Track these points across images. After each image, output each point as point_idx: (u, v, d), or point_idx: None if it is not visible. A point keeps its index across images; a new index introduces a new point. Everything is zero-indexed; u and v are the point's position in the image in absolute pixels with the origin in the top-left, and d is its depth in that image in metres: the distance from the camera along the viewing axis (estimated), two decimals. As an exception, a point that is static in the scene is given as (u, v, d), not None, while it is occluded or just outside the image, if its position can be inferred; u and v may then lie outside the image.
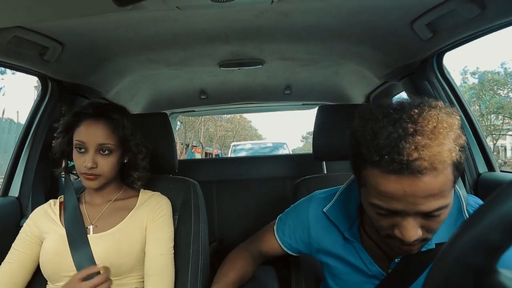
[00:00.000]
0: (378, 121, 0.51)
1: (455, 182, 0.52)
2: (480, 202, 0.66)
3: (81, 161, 0.83)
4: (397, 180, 0.49)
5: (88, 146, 0.84)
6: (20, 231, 0.88)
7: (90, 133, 0.84)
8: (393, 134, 0.48)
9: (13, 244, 0.86)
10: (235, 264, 0.88)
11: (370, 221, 0.63)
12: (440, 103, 0.53)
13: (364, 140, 0.52)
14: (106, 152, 0.85)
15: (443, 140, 0.47)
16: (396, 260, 0.66)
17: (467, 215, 0.61)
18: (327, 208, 0.75)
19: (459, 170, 0.51)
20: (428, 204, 0.49)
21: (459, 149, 0.49)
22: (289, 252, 0.86)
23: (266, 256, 0.91)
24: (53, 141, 0.91)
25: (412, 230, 0.52)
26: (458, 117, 0.52)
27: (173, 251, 0.90)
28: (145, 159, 0.95)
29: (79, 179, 0.89)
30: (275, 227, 0.86)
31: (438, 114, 0.49)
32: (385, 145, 0.48)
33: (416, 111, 0.50)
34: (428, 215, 0.51)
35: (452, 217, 0.61)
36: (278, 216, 0.89)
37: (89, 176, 0.84)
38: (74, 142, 0.85)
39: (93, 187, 0.86)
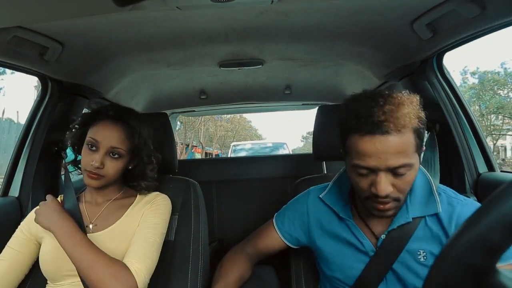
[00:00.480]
0: (357, 100, 0.68)
1: (417, 148, 0.66)
2: (446, 189, 0.78)
3: (89, 159, 0.84)
4: (370, 140, 0.63)
5: (100, 146, 0.84)
6: (17, 229, 0.88)
7: (106, 134, 0.85)
8: (369, 105, 0.65)
9: (8, 242, 0.86)
10: (233, 264, 0.89)
11: (359, 201, 0.78)
12: (405, 91, 0.70)
13: (348, 114, 0.68)
14: (116, 156, 0.86)
15: (404, 109, 0.63)
16: (382, 236, 0.76)
17: (436, 194, 0.74)
18: (323, 194, 0.87)
19: (420, 138, 0.66)
20: (395, 159, 0.63)
21: (419, 120, 0.65)
22: (287, 242, 0.90)
23: (263, 254, 0.93)
24: (67, 133, 0.93)
25: (384, 184, 0.65)
26: (417, 98, 0.68)
27: (161, 240, 0.87)
28: (154, 169, 0.95)
29: (81, 174, 0.90)
30: (274, 220, 0.93)
31: (400, 94, 0.67)
32: (362, 112, 0.65)
33: (387, 92, 0.67)
34: (396, 173, 0.64)
35: (424, 196, 0.75)
36: (276, 213, 0.95)
37: (93, 175, 0.84)
38: (87, 138, 0.85)
39: (93, 186, 0.86)
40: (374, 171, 0.65)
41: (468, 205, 0.73)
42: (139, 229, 0.86)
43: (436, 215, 0.73)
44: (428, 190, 0.75)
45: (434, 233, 0.73)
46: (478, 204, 0.75)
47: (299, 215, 0.89)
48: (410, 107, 0.65)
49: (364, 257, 0.77)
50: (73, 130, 0.91)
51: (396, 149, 0.63)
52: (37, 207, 0.90)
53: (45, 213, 0.82)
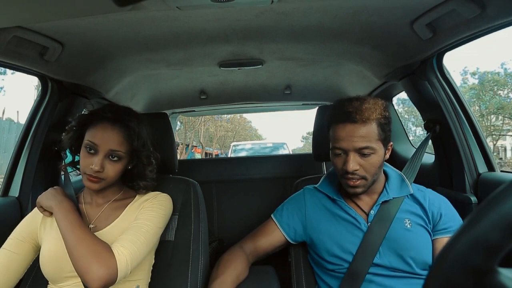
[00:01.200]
0: (339, 101, 0.90)
1: (381, 138, 0.85)
2: (413, 184, 0.98)
3: (88, 162, 0.83)
4: (343, 127, 0.84)
5: (99, 149, 0.83)
6: (13, 231, 0.87)
7: (105, 137, 0.83)
8: (343, 103, 0.87)
9: (3, 244, 0.85)
10: (230, 264, 0.90)
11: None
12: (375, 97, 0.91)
13: (330, 111, 0.90)
14: (115, 158, 0.85)
15: (368, 105, 0.84)
16: (371, 212, 0.90)
17: (407, 181, 0.95)
18: (318, 185, 1.02)
19: (383, 130, 0.85)
20: (360, 142, 0.82)
21: (381, 116, 0.84)
22: (285, 234, 0.97)
23: (261, 251, 0.96)
24: (63, 135, 0.91)
25: (352, 162, 0.83)
26: (383, 102, 0.88)
27: (156, 232, 0.86)
28: (154, 170, 0.94)
29: (79, 175, 0.90)
30: (272, 214, 1.02)
31: (370, 98, 0.88)
32: (338, 108, 0.87)
33: (361, 97, 0.89)
34: (362, 153, 0.83)
35: (398, 183, 0.94)
36: (273, 213, 1.02)
37: (93, 179, 0.83)
38: (85, 141, 0.84)
39: (93, 189, 0.85)
40: (345, 152, 0.85)
41: (431, 191, 0.94)
42: (135, 219, 0.85)
43: (412, 196, 0.92)
44: (400, 179, 0.96)
45: (414, 207, 0.90)
46: (439, 195, 0.93)
47: (297, 207, 1.00)
48: (374, 106, 0.85)
49: (358, 232, 0.89)
50: (70, 132, 0.89)
51: (361, 134, 0.82)
52: (35, 210, 0.90)
53: (48, 194, 0.86)
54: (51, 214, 0.84)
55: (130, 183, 0.95)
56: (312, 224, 0.95)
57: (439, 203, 0.89)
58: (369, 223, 0.89)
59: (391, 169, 0.99)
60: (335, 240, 0.90)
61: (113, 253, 0.74)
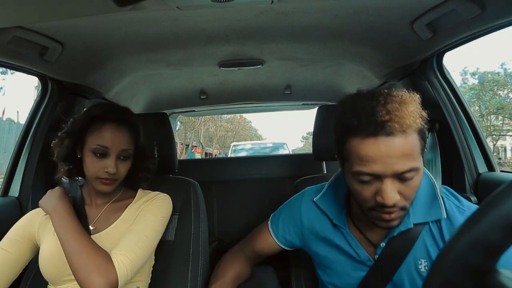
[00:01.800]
0: (355, 100, 0.62)
1: (422, 150, 0.61)
2: (454, 192, 0.72)
3: (100, 166, 0.82)
4: (374, 142, 0.57)
5: (110, 151, 0.82)
6: (9, 230, 0.86)
7: (114, 139, 0.82)
8: (369, 104, 0.59)
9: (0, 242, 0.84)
10: (230, 265, 0.89)
11: (355, 207, 0.73)
12: (402, 89, 0.65)
13: (345, 115, 0.62)
14: (125, 157, 0.86)
15: (408, 108, 0.59)
16: (381, 244, 0.70)
17: (440, 197, 0.68)
18: (317, 198, 0.81)
19: (424, 139, 0.62)
20: (402, 164, 0.57)
21: (422, 120, 0.61)
22: (282, 246, 0.87)
23: (260, 255, 0.93)
24: (53, 143, 0.87)
25: (391, 193, 0.59)
26: (418, 96, 0.63)
27: (156, 235, 0.86)
28: (156, 163, 0.96)
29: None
30: (269, 222, 0.90)
31: (401, 92, 0.62)
32: (363, 110, 0.59)
33: (386, 91, 0.62)
34: (403, 178, 0.59)
35: (428, 200, 0.69)
36: (272, 214, 0.92)
37: (108, 181, 0.83)
38: (94, 146, 0.82)
39: (107, 191, 0.85)
40: (379, 177, 0.59)
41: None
42: (134, 223, 0.85)
43: (439, 222, 0.67)
44: (432, 194, 0.69)
45: (437, 241, 0.67)
46: None
47: (293, 220, 0.85)
48: (413, 105, 0.60)
49: (362, 266, 0.74)
50: (65, 140, 0.85)
51: (402, 151, 0.57)
52: (37, 211, 0.90)
53: (47, 197, 0.85)
54: None
55: (131, 178, 0.93)
56: (310, 244, 0.83)
57: None
58: (376, 258, 0.71)
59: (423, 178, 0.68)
60: (334, 270, 0.78)
61: (112, 263, 0.74)
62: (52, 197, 0.85)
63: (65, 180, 0.92)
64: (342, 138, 0.63)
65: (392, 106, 0.58)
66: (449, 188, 0.74)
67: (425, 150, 0.65)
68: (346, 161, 0.64)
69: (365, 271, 0.72)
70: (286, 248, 0.89)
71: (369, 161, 0.58)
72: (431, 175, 0.73)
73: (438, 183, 0.73)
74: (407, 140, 0.58)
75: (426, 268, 0.67)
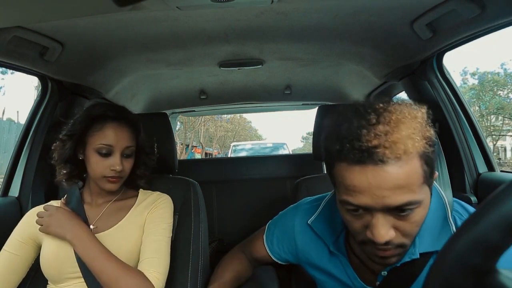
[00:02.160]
0: (342, 117, 0.52)
1: (427, 178, 0.50)
2: (469, 207, 0.63)
3: (106, 165, 0.83)
4: (361, 171, 0.48)
5: (114, 149, 0.83)
6: (12, 232, 0.86)
7: (118, 136, 0.84)
8: (355, 124, 0.49)
9: (4, 245, 0.85)
10: (230, 265, 0.89)
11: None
12: (409, 101, 0.54)
13: (328, 137, 0.53)
14: (129, 154, 0.87)
15: (404, 129, 0.48)
16: (382, 273, 0.62)
17: (452, 223, 0.57)
18: (312, 220, 0.72)
19: (429, 165, 0.50)
20: (395, 197, 0.48)
21: (426, 142, 0.49)
22: (278, 261, 0.85)
23: (259, 262, 0.91)
24: (54, 145, 0.87)
25: (382, 229, 0.50)
26: (423, 111, 0.52)
27: (170, 242, 0.88)
28: (155, 159, 0.98)
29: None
30: (264, 236, 0.85)
31: (401, 107, 0.51)
32: (347, 134, 0.49)
33: (382, 105, 0.51)
34: (398, 213, 0.50)
35: (438, 225, 0.58)
36: (267, 224, 0.88)
37: (114, 180, 0.84)
38: (98, 146, 0.82)
39: (114, 190, 0.87)
40: (368, 209, 0.51)
41: None
42: (147, 234, 0.86)
43: None
44: (443, 218, 0.58)
45: None
46: None
47: (287, 240, 0.78)
48: (413, 125, 0.49)
49: None
50: (67, 142, 0.84)
51: (395, 182, 0.47)
52: (36, 209, 0.89)
53: (56, 221, 0.81)
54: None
55: (130, 176, 0.93)
56: (304, 265, 0.78)
57: None
58: (378, 283, 0.63)
59: (432, 198, 0.58)
60: None
61: (150, 282, 0.77)
62: (63, 221, 0.81)
63: (64, 183, 0.91)
64: (328, 161, 0.55)
65: (384, 128, 0.47)
66: (462, 203, 0.64)
67: (435, 174, 0.54)
68: (336, 187, 0.56)
69: None
70: (283, 263, 0.86)
71: (356, 191, 0.50)
72: (442, 193, 0.62)
73: (449, 199, 0.62)
74: (403, 169, 0.47)
75: None
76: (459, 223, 0.58)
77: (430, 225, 0.58)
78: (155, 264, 0.80)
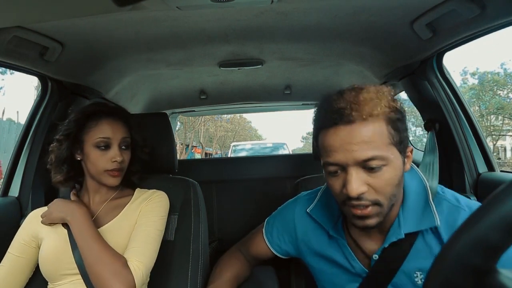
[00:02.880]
0: (327, 96, 0.63)
1: (395, 142, 0.59)
2: (460, 197, 0.66)
3: (107, 158, 0.85)
4: (334, 132, 0.58)
5: (112, 142, 0.86)
6: (16, 234, 0.87)
7: (114, 129, 0.86)
8: (331, 97, 0.61)
9: (9, 248, 0.85)
10: (228, 264, 0.90)
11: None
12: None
13: (315, 113, 0.65)
14: (126, 146, 0.89)
15: (369, 95, 0.58)
16: (374, 256, 0.68)
17: (432, 204, 0.64)
18: (310, 208, 0.79)
19: (396, 130, 0.59)
20: (363, 151, 0.56)
21: (391, 110, 0.59)
22: (277, 254, 0.87)
23: (257, 259, 0.92)
24: (51, 146, 0.87)
25: (355, 183, 0.57)
26: (389, 88, 0.62)
27: (160, 235, 0.87)
28: (148, 153, 0.98)
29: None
30: (263, 229, 0.89)
31: (369, 85, 0.62)
32: (323, 104, 0.62)
33: (356, 85, 0.62)
34: (369, 170, 0.57)
35: (420, 207, 0.65)
36: (266, 219, 0.91)
37: (115, 173, 0.86)
38: (96, 140, 0.84)
39: (115, 184, 0.88)
40: (344, 168, 0.59)
41: (473, 209, 0.60)
42: (138, 225, 0.86)
43: (435, 229, 0.63)
44: (424, 200, 0.65)
45: (433, 250, 0.63)
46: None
47: (287, 230, 0.83)
48: (378, 95, 0.59)
49: (356, 278, 0.71)
50: (64, 142, 0.85)
51: (362, 138, 0.56)
52: (37, 211, 0.90)
53: (57, 207, 0.84)
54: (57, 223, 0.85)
55: (126, 173, 0.93)
56: (305, 256, 0.81)
57: None
58: (370, 269, 0.69)
59: (412, 177, 0.69)
60: (328, 282, 0.77)
61: (129, 269, 0.76)
62: (62, 204, 0.85)
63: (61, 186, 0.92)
64: (315, 135, 0.65)
65: (350, 95, 0.59)
66: (446, 188, 0.70)
67: (409, 147, 0.63)
68: (321, 157, 0.64)
69: (360, 281, 0.70)
70: (282, 257, 0.88)
71: (332, 150, 0.59)
72: (425, 178, 0.69)
73: (434, 185, 0.69)
74: (369, 128, 0.57)
75: (422, 280, 0.63)
76: (445, 207, 0.64)
77: (412, 207, 0.65)
78: (139, 254, 0.80)
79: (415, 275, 0.64)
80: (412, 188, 0.66)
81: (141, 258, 0.80)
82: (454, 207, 0.64)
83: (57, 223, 0.85)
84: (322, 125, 0.61)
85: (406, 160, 0.63)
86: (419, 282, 0.63)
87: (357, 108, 0.57)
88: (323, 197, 0.79)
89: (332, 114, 0.58)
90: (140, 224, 0.86)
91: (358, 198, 0.58)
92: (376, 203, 0.59)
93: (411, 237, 0.64)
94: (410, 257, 0.64)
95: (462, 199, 0.66)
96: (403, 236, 0.64)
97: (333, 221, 0.74)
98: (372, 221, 0.60)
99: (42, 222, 0.84)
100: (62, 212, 0.83)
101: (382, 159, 0.57)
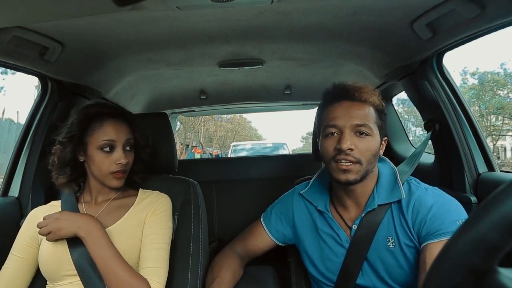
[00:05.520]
0: (334, 85, 0.86)
1: (378, 125, 0.79)
2: (412, 179, 0.85)
3: (111, 160, 0.84)
4: (339, 105, 0.79)
5: (116, 144, 0.85)
6: (17, 235, 0.87)
7: (118, 131, 0.86)
8: (338, 85, 0.84)
9: (11, 249, 0.85)
10: (224, 264, 0.91)
11: (336, 189, 0.86)
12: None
13: (324, 95, 0.86)
14: (129, 147, 0.89)
15: (367, 88, 0.81)
16: (353, 226, 0.82)
17: (400, 182, 0.81)
18: (304, 191, 0.94)
19: (380, 117, 0.80)
20: (359, 120, 0.76)
21: (378, 104, 0.81)
22: (273, 239, 0.94)
23: (253, 252, 0.96)
24: (54, 148, 0.86)
25: (348, 140, 0.75)
26: (378, 91, 0.84)
27: (169, 248, 0.88)
28: (150, 153, 0.98)
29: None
30: (261, 218, 0.98)
31: (365, 84, 0.83)
32: (333, 90, 0.84)
33: (357, 82, 0.84)
34: (358, 134, 0.77)
35: (390, 185, 0.82)
36: (263, 214, 0.99)
37: (120, 174, 0.86)
38: (100, 143, 0.84)
39: (119, 186, 0.88)
40: (340, 130, 0.77)
41: (428, 191, 0.79)
42: (148, 242, 0.85)
43: (399, 202, 0.79)
44: (393, 179, 0.83)
45: (398, 220, 0.78)
46: (439, 192, 0.79)
47: (285, 211, 0.95)
48: (372, 90, 0.81)
49: (342, 249, 0.83)
50: (68, 144, 0.84)
51: (359, 112, 0.77)
52: (37, 210, 0.89)
53: (66, 222, 0.80)
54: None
55: (129, 173, 0.93)
56: (300, 234, 0.91)
57: (424, 209, 0.74)
58: (351, 238, 0.82)
59: (384, 165, 0.88)
60: (320, 256, 0.87)
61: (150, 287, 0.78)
62: (77, 219, 0.81)
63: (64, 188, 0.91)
64: (320, 113, 0.85)
65: (353, 84, 0.81)
66: (415, 178, 0.87)
67: (385, 131, 0.82)
68: (321, 132, 0.82)
69: (344, 252, 0.82)
70: (278, 242, 0.94)
71: (335, 117, 0.78)
72: (393, 165, 0.88)
73: (407, 173, 0.89)
74: (364, 107, 0.78)
75: (394, 244, 0.78)
76: (413, 187, 0.81)
77: (384, 185, 0.83)
78: (157, 274, 0.81)
79: (387, 240, 0.78)
80: (385, 172, 0.85)
81: (160, 279, 0.81)
82: (415, 186, 0.81)
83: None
84: (329, 101, 0.82)
85: (381, 145, 0.81)
86: (391, 246, 0.78)
87: (359, 92, 0.79)
88: (316, 182, 0.94)
89: (340, 92, 0.81)
90: (150, 240, 0.85)
91: (346, 153, 0.75)
92: (358, 162, 0.76)
93: (382, 209, 0.80)
94: (382, 226, 0.79)
95: (423, 183, 0.83)
96: (376, 206, 0.80)
97: (322, 200, 0.89)
98: (352, 176, 0.76)
99: (48, 239, 0.80)
100: (74, 227, 0.79)
101: (369, 129, 0.77)
